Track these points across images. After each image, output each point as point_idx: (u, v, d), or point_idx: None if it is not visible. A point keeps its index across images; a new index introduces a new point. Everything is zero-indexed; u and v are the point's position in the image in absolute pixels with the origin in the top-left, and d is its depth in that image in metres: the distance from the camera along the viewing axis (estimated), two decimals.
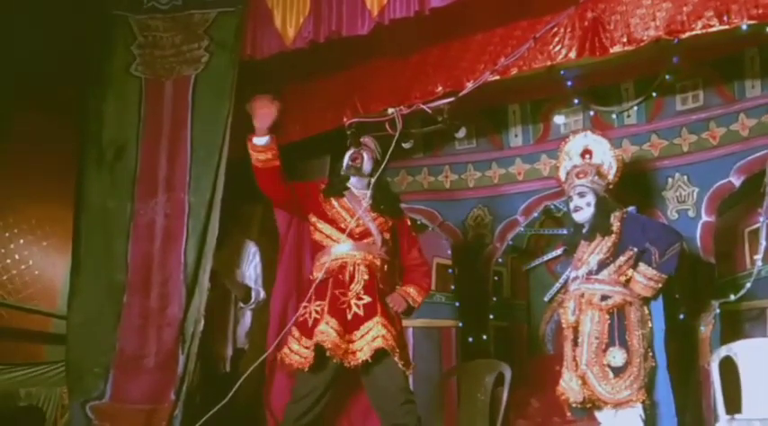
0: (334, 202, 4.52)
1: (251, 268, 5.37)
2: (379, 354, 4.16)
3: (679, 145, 5.87)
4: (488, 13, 5.01)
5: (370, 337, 4.16)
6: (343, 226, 4.42)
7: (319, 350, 4.17)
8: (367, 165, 4.53)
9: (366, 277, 4.31)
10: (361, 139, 4.53)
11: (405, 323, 4.62)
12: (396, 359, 4.17)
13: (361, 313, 4.23)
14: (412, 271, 4.66)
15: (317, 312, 4.28)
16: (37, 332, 6.21)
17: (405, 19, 4.72)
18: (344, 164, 4.58)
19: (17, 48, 5.39)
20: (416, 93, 5.21)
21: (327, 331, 4.15)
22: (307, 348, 4.23)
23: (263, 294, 5.29)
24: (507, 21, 4.98)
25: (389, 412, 4.28)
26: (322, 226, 4.50)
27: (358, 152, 4.52)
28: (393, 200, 4.68)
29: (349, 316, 4.23)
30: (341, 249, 4.39)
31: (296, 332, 4.35)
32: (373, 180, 4.53)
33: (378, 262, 4.39)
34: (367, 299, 4.27)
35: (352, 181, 4.57)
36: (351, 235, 4.39)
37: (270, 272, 5.38)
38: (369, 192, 4.50)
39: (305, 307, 4.37)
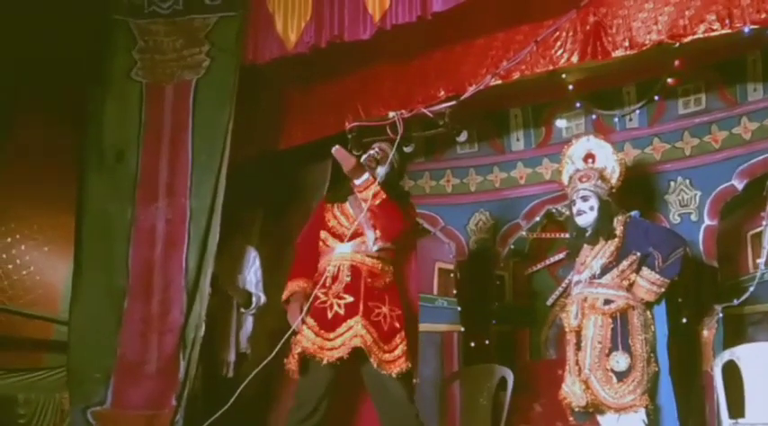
0: (335, 210, 4.51)
1: (251, 273, 5.39)
2: (363, 357, 4.16)
3: (681, 148, 5.85)
4: (490, 18, 5.00)
5: (349, 336, 4.16)
6: (339, 232, 4.42)
7: (304, 356, 4.20)
8: (381, 169, 4.45)
9: (348, 277, 4.30)
10: (380, 146, 4.48)
11: None
12: (372, 360, 4.14)
13: (341, 312, 4.23)
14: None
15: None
16: (37, 339, 6.19)
17: (407, 23, 4.71)
18: (367, 154, 4.46)
19: (18, 53, 5.39)
20: (418, 97, 5.20)
21: (305, 331, 4.21)
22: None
23: (263, 299, 5.30)
24: (509, 25, 4.97)
25: (391, 421, 4.26)
26: (323, 235, 4.49)
27: (384, 150, 4.46)
28: (398, 198, 4.56)
29: (329, 315, 4.24)
30: (333, 254, 4.39)
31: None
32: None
33: (367, 261, 4.37)
34: (348, 299, 4.25)
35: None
36: (341, 239, 4.39)
37: (270, 277, 5.38)
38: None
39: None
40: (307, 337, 4.19)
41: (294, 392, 4.36)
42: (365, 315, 4.22)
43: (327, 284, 4.31)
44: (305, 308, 4.28)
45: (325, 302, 4.28)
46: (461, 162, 6.75)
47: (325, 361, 4.14)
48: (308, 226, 4.70)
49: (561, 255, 6.57)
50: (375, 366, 4.16)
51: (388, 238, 4.41)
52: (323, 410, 4.25)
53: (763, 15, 4.16)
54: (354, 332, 4.15)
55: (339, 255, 4.38)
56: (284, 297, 4.45)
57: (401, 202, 4.50)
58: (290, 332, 4.31)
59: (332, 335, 4.19)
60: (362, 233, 4.40)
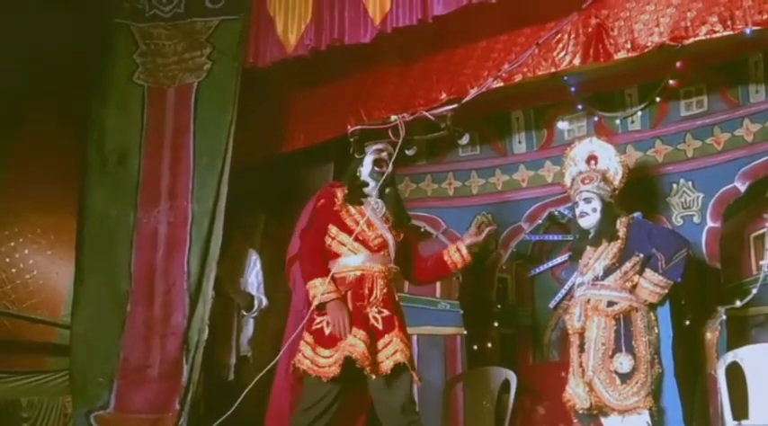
0: (352, 210, 4.37)
1: (252, 275, 5.37)
2: (396, 369, 4.12)
3: (683, 150, 5.84)
4: (492, 20, 5.01)
5: (390, 351, 4.10)
6: (360, 236, 4.30)
7: (346, 362, 4.07)
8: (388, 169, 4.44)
9: (385, 290, 4.25)
10: (381, 146, 4.46)
11: (408, 331, 4.48)
12: (412, 373, 4.12)
13: (379, 326, 4.16)
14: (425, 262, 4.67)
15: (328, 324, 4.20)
16: (40, 342, 6.19)
17: (407, 26, 4.71)
18: (367, 168, 4.44)
19: (20, 57, 5.40)
20: (420, 100, 5.21)
21: (356, 343, 4.05)
22: (326, 357, 4.13)
23: (265, 301, 5.29)
24: (511, 27, 4.98)
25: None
26: (337, 234, 4.33)
27: (383, 159, 4.43)
28: (404, 209, 4.60)
29: (372, 327, 4.16)
30: (356, 260, 4.28)
31: (309, 339, 4.23)
32: (382, 185, 4.43)
33: (390, 274, 4.34)
34: (386, 313, 4.20)
35: (369, 189, 4.45)
36: (369, 247, 4.30)
37: (272, 280, 5.38)
38: (381, 202, 4.44)
39: (319, 315, 4.25)
40: (357, 348, 4.03)
41: (304, 394, 4.28)
42: (400, 328, 4.20)
43: (365, 294, 4.23)
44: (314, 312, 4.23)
45: (365, 315, 4.19)
46: (463, 164, 6.74)
47: (374, 377, 4.08)
48: (318, 217, 4.46)
49: (564, 257, 6.55)
50: (417, 379, 4.16)
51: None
52: (333, 411, 4.19)
53: (765, 16, 4.17)
54: (395, 347, 4.10)
55: (366, 265, 4.28)
56: (324, 297, 4.15)
57: (405, 216, 4.53)
58: (296, 332, 4.28)
59: (380, 346, 4.13)
60: (387, 244, 4.36)
